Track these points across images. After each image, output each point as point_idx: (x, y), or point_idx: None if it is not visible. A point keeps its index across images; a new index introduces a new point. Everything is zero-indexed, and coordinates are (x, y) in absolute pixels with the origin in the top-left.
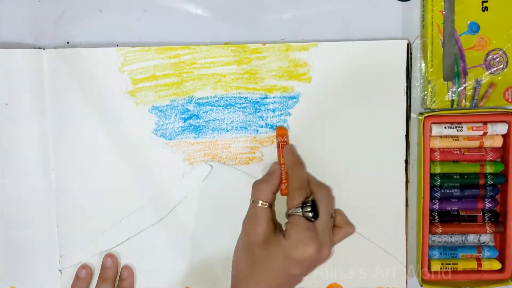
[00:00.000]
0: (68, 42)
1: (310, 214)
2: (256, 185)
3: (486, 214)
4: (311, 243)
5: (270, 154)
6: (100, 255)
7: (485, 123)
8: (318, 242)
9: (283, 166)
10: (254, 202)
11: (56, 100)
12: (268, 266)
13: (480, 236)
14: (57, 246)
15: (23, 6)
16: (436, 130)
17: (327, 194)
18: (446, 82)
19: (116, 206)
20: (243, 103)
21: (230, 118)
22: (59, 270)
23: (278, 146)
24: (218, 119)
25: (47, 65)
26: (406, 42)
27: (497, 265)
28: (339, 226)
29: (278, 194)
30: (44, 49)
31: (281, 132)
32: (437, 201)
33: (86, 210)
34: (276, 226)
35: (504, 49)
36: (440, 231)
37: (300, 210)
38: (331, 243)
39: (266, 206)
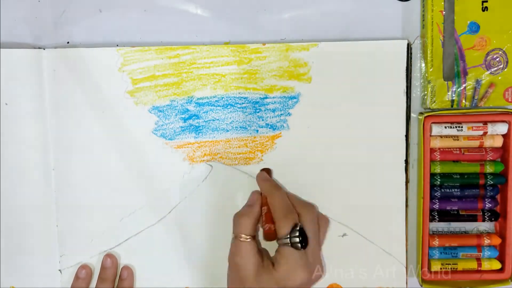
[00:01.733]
0: (68, 42)
1: (299, 243)
2: (237, 218)
3: (486, 214)
4: (302, 271)
5: (270, 154)
6: (100, 255)
7: (485, 123)
8: (309, 270)
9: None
10: (236, 237)
11: (56, 100)
12: None
13: None
14: (57, 246)
15: (23, 6)
16: (436, 130)
17: (313, 215)
18: (446, 82)
19: (116, 206)
20: (243, 103)
21: (230, 118)
22: (59, 270)
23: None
24: (218, 119)
25: (47, 65)
26: (406, 42)
27: (497, 265)
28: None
29: None
30: (44, 49)
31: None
32: (437, 200)
33: (86, 210)
34: (263, 257)
35: (504, 49)
36: None
37: (288, 240)
38: (320, 256)
39: (249, 240)
